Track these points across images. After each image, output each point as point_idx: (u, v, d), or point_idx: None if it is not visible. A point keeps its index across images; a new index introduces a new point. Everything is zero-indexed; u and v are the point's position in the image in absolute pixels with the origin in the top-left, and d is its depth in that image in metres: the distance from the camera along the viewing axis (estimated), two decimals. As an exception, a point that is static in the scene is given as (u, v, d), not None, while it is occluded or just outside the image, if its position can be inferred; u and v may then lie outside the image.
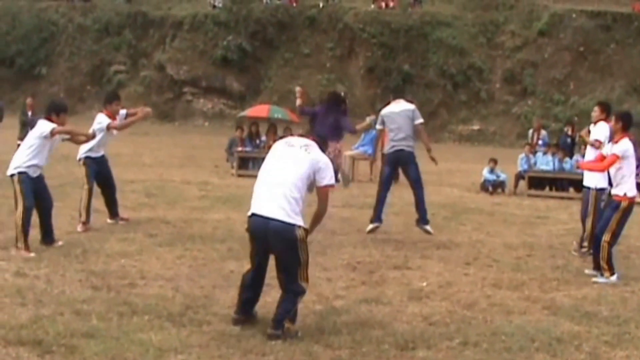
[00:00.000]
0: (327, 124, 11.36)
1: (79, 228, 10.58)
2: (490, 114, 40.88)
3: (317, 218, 6.73)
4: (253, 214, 6.34)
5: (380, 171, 11.44)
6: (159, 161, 20.98)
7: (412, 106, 11.25)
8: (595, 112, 10.82)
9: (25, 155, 9.25)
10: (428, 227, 10.95)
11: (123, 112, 11.44)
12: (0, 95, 22.08)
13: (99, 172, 11.07)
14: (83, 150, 10.94)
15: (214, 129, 39.00)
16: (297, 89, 12.55)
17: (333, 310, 7.09)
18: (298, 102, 12.39)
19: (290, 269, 6.30)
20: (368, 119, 12.46)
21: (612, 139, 9.58)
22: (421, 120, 11.17)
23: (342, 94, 11.97)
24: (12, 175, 9.26)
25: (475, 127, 40.45)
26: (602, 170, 9.77)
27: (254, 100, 40.48)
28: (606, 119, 10.55)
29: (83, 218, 10.67)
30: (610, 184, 9.71)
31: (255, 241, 6.40)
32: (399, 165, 11.18)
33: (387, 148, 11.17)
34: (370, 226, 10.98)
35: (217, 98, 44.06)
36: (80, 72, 46.83)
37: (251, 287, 6.55)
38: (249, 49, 43.88)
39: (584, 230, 10.50)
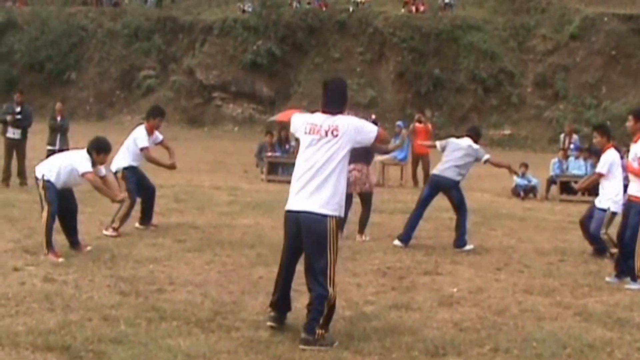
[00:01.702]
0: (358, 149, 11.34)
1: (109, 232, 10.59)
2: (522, 118, 40.54)
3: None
4: None
5: (421, 190, 11.36)
6: (188, 166, 21.01)
7: (476, 145, 11.20)
8: (630, 122, 10.64)
9: (53, 171, 9.25)
10: (467, 248, 10.78)
11: (160, 136, 11.48)
12: (30, 100, 22.16)
13: (139, 183, 11.16)
14: (125, 163, 11.02)
15: (243, 134, 39.08)
16: None
17: (363, 316, 7.04)
18: None
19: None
20: (398, 141, 12.45)
21: None
22: (486, 156, 11.19)
23: (372, 118, 11.95)
24: (37, 179, 9.28)
25: (507, 132, 40.13)
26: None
27: (283, 105, 40.53)
28: None
29: (116, 225, 10.69)
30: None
31: None
32: (440, 190, 11.11)
33: (435, 169, 11.20)
34: (397, 242, 10.87)
35: (247, 103, 44.15)
36: (110, 77, 47.17)
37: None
38: (278, 54, 43.94)
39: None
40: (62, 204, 9.27)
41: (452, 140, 11.32)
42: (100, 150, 9.38)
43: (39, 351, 5.63)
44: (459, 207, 10.98)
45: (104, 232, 10.58)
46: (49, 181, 9.18)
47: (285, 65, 44.44)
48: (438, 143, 11.49)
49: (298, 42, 44.83)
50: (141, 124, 11.57)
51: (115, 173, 11.10)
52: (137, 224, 11.19)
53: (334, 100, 6.54)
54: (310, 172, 6.23)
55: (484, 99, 41.21)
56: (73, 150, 9.96)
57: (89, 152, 9.32)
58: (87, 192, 10.80)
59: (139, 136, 11.12)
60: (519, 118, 40.65)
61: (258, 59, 43.71)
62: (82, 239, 9.65)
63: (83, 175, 9.16)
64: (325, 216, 6.15)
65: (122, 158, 11.09)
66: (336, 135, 6.26)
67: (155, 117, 11.38)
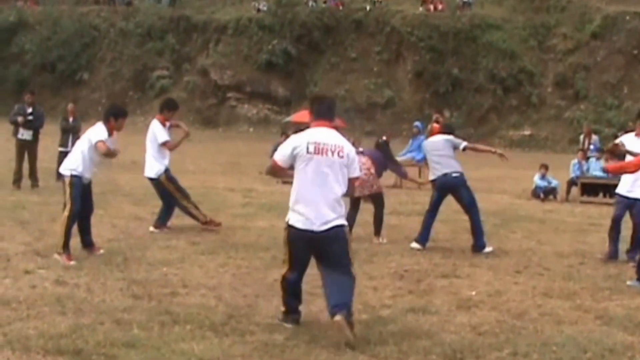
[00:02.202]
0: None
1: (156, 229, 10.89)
2: (542, 118, 40.35)
3: None
4: None
5: (431, 194, 11.22)
6: (202, 168, 21.02)
7: (449, 136, 11.10)
8: None
9: (78, 158, 9.17)
10: (486, 250, 10.61)
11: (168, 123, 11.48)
12: (41, 101, 22.19)
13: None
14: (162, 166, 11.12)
15: (258, 135, 39.09)
16: None
17: (379, 320, 6.96)
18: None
19: None
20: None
21: None
22: (464, 143, 11.00)
23: (383, 139, 11.89)
24: (64, 176, 9.20)
25: (526, 133, 39.97)
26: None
27: (299, 105, 40.48)
28: None
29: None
30: None
31: None
32: (449, 191, 10.96)
33: (432, 174, 11.05)
34: (415, 245, 10.74)
35: (262, 103, 44.16)
36: (123, 77, 47.27)
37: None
38: (294, 53, 43.93)
39: None
40: (81, 203, 9.19)
41: (424, 145, 11.17)
42: (118, 114, 9.33)
43: (50, 355, 5.57)
44: (470, 206, 10.80)
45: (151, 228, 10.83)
46: (75, 176, 9.08)
47: (301, 65, 44.42)
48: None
49: (314, 41, 44.79)
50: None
51: (157, 179, 11.20)
52: (151, 228, 11.11)
53: (331, 113, 6.73)
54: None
55: (503, 99, 41.06)
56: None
57: (106, 119, 9.22)
58: (99, 194, 10.75)
59: (157, 131, 11.10)
60: (538, 118, 40.46)
61: (273, 58, 43.72)
62: (95, 241, 9.58)
63: (95, 144, 9.08)
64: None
65: (156, 161, 11.10)
66: (342, 157, 6.45)
67: (170, 109, 11.42)
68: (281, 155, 6.52)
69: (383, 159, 11.45)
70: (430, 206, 10.96)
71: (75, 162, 9.16)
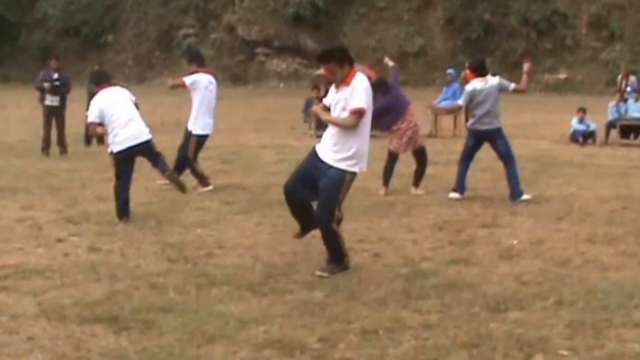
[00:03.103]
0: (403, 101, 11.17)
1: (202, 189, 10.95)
2: (577, 61, 39.64)
3: None
4: None
5: (465, 142, 10.96)
6: (233, 126, 20.85)
7: (497, 79, 10.69)
8: None
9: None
10: (524, 197, 10.38)
11: None
12: (66, 66, 22.11)
13: None
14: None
15: (289, 90, 38.88)
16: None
17: (420, 273, 6.85)
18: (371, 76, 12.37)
19: None
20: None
21: None
22: (512, 85, 10.65)
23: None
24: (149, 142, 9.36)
25: (562, 76, 39.32)
26: None
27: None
28: None
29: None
30: None
31: None
32: (485, 140, 10.70)
33: (472, 123, 10.74)
34: (453, 195, 10.54)
35: (291, 58, 43.75)
36: (148, 38, 46.96)
37: None
38: (321, 5, 43.29)
39: None
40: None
41: (477, 86, 10.62)
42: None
43: (87, 323, 5.50)
44: (506, 155, 10.59)
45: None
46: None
47: (329, 17, 43.83)
48: (461, 101, 11.06)
49: (342, -9, 44.13)
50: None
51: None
52: (159, 181, 11.10)
53: None
54: None
55: (537, 43, 40.29)
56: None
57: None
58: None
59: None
60: (574, 61, 39.75)
61: (301, 11, 43.12)
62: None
63: None
64: None
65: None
66: None
67: (192, 62, 11.57)
68: None
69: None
70: (463, 154, 10.77)
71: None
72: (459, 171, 10.68)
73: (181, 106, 10.84)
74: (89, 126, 10.30)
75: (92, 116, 9.13)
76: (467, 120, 19.22)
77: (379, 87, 9.98)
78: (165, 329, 5.37)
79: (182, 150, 11.36)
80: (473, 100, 10.56)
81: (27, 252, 7.60)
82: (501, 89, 10.50)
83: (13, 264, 7.10)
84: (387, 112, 10.76)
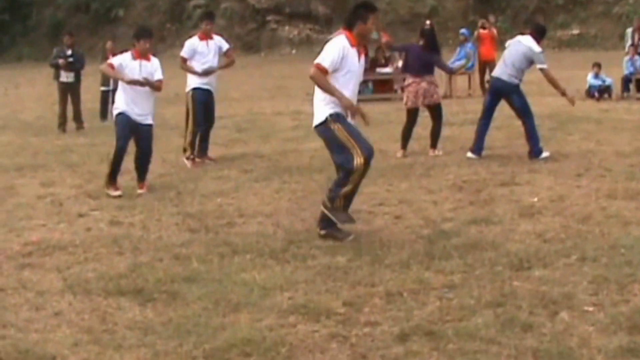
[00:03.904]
0: (419, 61, 11.02)
1: (188, 164, 10.64)
2: (590, 16, 39.16)
3: None
4: None
5: (484, 99, 10.90)
6: (247, 94, 20.82)
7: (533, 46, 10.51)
8: None
9: (120, 95, 9.15)
10: (543, 156, 10.31)
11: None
12: (79, 42, 22.04)
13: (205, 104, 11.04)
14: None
15: (302, 56, 38.57)
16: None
17: (442, 234, 6.83)
18: (383, 40, 12.20)
19: None
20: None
21: None
22: (544, 65, 10.45)
23: (427, 24, 11.36)
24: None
25: (575, 32, 38.84)
26: None
27: (341, 22, 39.31)
28: None
29: (188, 154, 10.69)
30: None
31: None
32: (501, 96, 10.62)
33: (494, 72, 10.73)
34: (470, 154, 10.50)
35: (303, 24, 43.43)
36: (158, 10, 46.72)
37: None
38: (332, -31, 42.93)
39: None
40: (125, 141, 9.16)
41: (515, 39, 10.75)
42: (139, 36, 9.31)
43: (112, 296, 5.52)
44: (523, 112, 10.49)
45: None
46: (118, 114, 9.07)
47: (340, -19, 43.47)
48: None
49: (351, -47, 43.74)
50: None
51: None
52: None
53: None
54: None
55: (549, -1, 39.83)
56: None
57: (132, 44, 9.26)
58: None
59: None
60: (586, 16, 39.27)
61: (311, -25, 42.80)
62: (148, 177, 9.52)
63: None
64: None
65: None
66: None
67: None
68: None
69: (426, 53, 11.04)
70: (483, 112, 10.70)
71: (117, 100, 9.12)
72: (478, 131, 10.63)
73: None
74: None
75: None
76: (482, 80, 19.23)
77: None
78: (190, 299, 5.38)
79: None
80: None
81: (50, 229, 7.64)
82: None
83: (36, 240, 7.13)
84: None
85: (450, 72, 12.18)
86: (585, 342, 4.40)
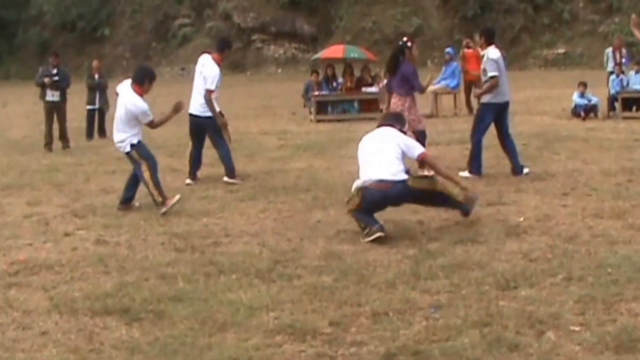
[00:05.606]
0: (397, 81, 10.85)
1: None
2: (575, 35, 39.50)
3: None
4: None
5: (479, 116, 10.82)
6: (233, 113, 20.77)
7: (489, 53, 10.50)
8: None
9: (134, 130, 9.11)
10: (525, 171, 10.39)
11: None
12: (65, 61, 22.07)
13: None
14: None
15: (287, 75, 38.82)
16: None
17: (427, 254, 6.81)
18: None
19: None
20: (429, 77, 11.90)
21: None
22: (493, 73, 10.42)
23: (402, 41, 11.14)
24: (129, 152, 9.13)
25: (561, 51, 39.18)
26: None
27: (326, 41, 39.97)
28: None
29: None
30: None
31: None
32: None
33: (494, 97, 10.51)
34: (463, 174, 10.46)
35: (288, 43, 43.68)
36: (144, 29, 46.92)
37: None
38: (316, -12, 43.23)
39: None
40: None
41: (499, 54, 10.53)
42: (152, 78, 9.28)
43: (98, 316, 5.50)
44: (507, 130, 10.60)
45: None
46: (136, 144, 9.08)
47: (325, 0, 43.69)
48: (494, 72, 10.41)
49: (336, -27, 43.98)
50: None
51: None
52: (187, 180, 10.94)
53: None
54: None
55: (534, 18, 40.22)
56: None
57: (141, 82, 9.10)
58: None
59: (211, 66, 10.80)
60: (572, 35, 39.63)
61: (296, -5, 43.06)
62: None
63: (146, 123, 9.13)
64: None
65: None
66: None
67: (223, 50, 11.17)
68: None
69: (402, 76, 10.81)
70: (479, 131, 10.67)
71: (132, 136, 9.10)
72: (475, 151, 10.58)
73: (179, 96, 10.74)
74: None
75: None
76: (467, 99, 19.31)
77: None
78: (177, 318, 5.36)
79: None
80: (500, 70, 10.41)
81: (36, 248, 7.60)
82: None
83: (22, 259, 7.08)
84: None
85: (422, 92, 11.87)
86: (572, 362, 4.40)
